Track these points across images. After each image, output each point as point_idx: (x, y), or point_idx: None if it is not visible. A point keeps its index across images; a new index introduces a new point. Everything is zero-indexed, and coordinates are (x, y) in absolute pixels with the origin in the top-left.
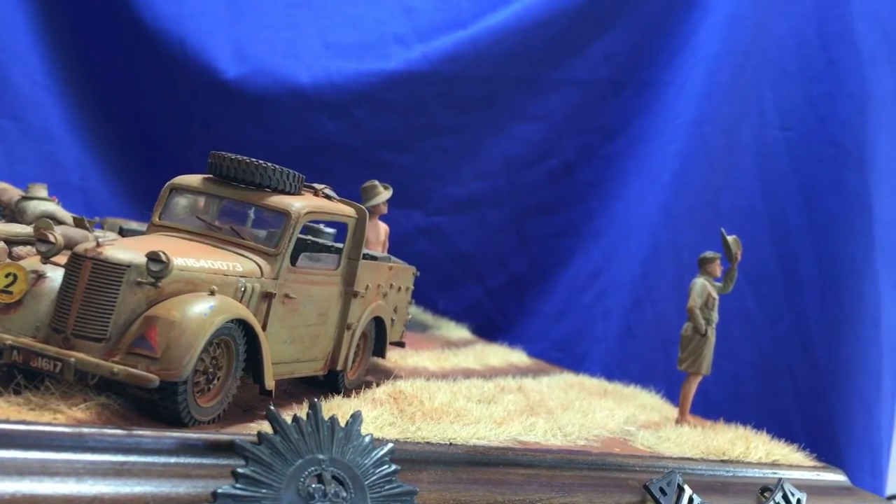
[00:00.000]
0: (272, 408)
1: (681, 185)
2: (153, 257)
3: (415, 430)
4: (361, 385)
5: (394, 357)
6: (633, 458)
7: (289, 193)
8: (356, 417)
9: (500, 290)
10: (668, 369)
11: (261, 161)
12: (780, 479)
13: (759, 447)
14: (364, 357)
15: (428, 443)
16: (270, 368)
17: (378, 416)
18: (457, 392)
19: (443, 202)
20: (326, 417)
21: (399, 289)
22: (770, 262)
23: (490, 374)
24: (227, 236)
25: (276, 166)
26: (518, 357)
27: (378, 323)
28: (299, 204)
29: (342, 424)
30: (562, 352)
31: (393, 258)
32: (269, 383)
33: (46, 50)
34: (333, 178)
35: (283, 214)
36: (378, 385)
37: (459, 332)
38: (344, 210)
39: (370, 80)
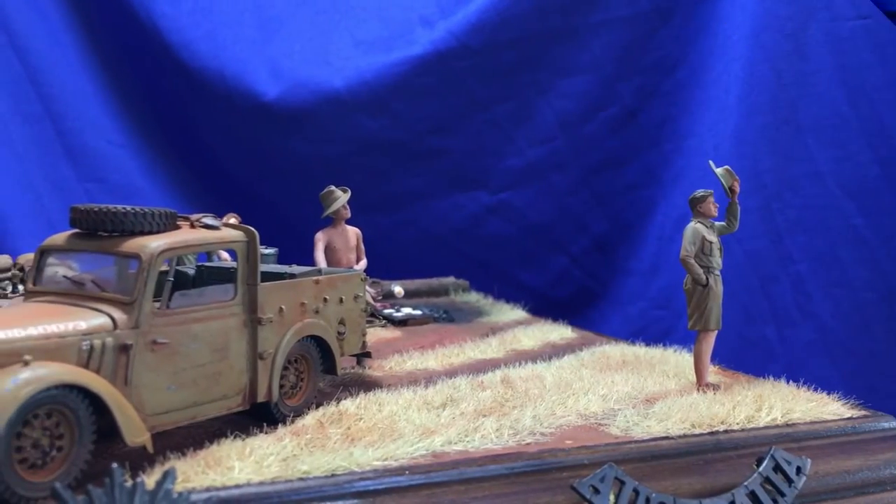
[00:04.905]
0: (57, 485)
1: (748, 105)
2: None
3: (300, 464)
4: (310, 407)
5: (390, 364)
6: (583, 448)
7: (150, 233)
8: (167, 476)
9: (585, 254)
10: (773, 306)
11: (114, 206)
12: (770, 448)
13: (775, 406)
14: (309, 381)
15: (302, 479)
16: (132, 423)
17: (276, 451)
18: (413, 400)
19: (505, 176)
20: (148, 480)
21: (341, 300)
22: (871, 169)
23: (504, 362)
24: (90, 291)
25: (133, 209)
26: (561, 334)
27: (319, 341)
28: (154, 244)
29: (150, 486)
30: (663, 308)
31: (340, 269)
32: (133, 439)
33: (114, 111)
34: (386, 176)
35: (135, 258)
36: (323, 405)
37: (514, 314)
38: (224, 237)
39: (400, 69)
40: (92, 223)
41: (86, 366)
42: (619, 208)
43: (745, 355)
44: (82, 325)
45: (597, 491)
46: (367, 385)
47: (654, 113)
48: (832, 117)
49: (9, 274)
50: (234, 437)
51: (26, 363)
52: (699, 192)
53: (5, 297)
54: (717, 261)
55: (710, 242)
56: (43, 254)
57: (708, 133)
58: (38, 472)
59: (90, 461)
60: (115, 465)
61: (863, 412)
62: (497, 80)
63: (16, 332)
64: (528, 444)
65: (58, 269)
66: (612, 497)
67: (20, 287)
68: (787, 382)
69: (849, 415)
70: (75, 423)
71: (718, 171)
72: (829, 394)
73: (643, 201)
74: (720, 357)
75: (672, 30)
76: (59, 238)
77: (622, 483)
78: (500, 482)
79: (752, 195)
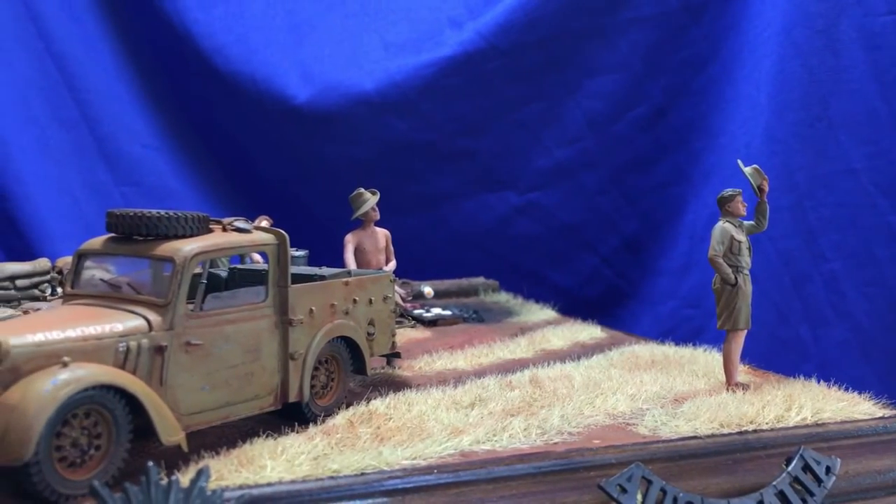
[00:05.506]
0: (95, 483)
1: (780, 102)
2: None
3: (330, 462)
4: (340, 407)
5: (420, 364)
6: (610, 448)
7: (183, 237)
8: (202, 474)
9: (615, 254)
10: (806, 305)
11: (148, 211)
12: (799, 448)
13: (805, 406)
14: (340, 381)
15: (332, 478)
16: (168, 423)
17: (307, 450)
18: (442, 399)
19: (534, 177)
20: (182, 478)
21: (370, 301)
22: None
23: (533, 362)
24: (126, 294)
25: (167, 213)
26: (590, 333)
27: (349, 342)
28: (188, 248)
29: (184, 484)
30: (693, 307)
31: (369, 270)
32: (168, 439)
33: (149, 115)
34: (416, 177)
35: (169, 261)
36: (353, 405)
37: (543, 314)
38: (255, 240)
39: (429, 70)
40: (127, 227)
41: (122, 367)
42: (649, 207)
43: (779, 355)
44: (119, 327)
45: (624, 490)
46: (397, 385)
47: (684, 111)
48: (865, 113)
49: (47, 277)
50: (267, 437)
51: (65, 364)
52: (727, 192)
53: (44, 299)
54: (745, 260)
55: (739, 242)
56: (80, 257)
57: (739, 131)
58: (77, 471)
59: (127, 460)
60: (150, 463)
61: (895, 412)
62: (525, 81)
63: (55, 334)
64: (555, 443)
65: (95, 272)
66: (639, 496)
67: (58, 290)
68: (819, 382)
69: (880, 414)
70: (112, 422)
71: (747, 169)
72: (860, 393)
73: (673, 200)
74: (753, 357)
75: (702, 27)
76: (96, 242)
77: (649, 482)
78: (528, 481)
79: (784, 193)
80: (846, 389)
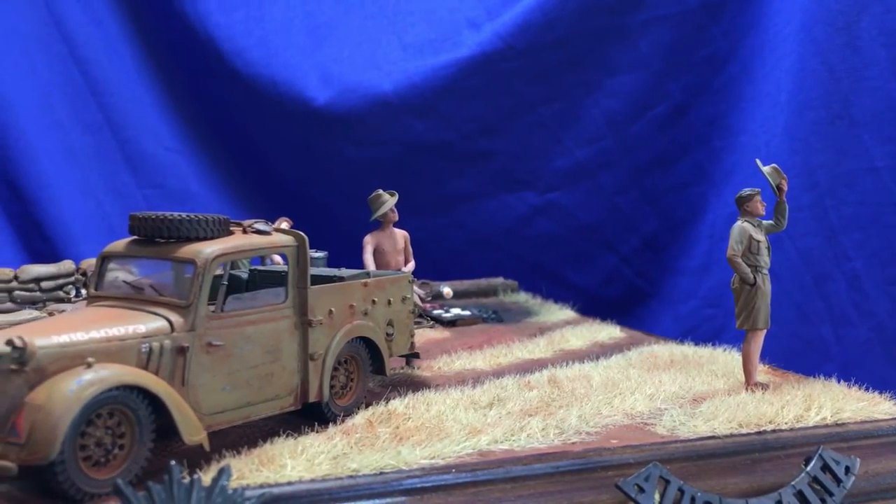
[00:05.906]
0: (118, 481)
1: (800, 101)
2: (8, 343)
3: (349, 462)
4: (360, 407)
5: (439, 364)
6: (628, 448)
7: (204, 239)
8: (223, 473)
9: (635, 254)
10: (828, 305)
11: (170, 214)
12: (818, 448)
13: (825, 406)
14: (359, 381)
15: (351, 477)
16: (190, 422)
17: (326, 450)
18: (461, 399)
19: (553, 177)
20: (204, 477)
21: (389, 301)
22: None
23: (552, 362)
24: (148, 296)
25: (188, 216)
26: (609, 333)
27: (368, 342)
28: (209, 250)
29: (206, 483)
30: (714, 307)
31: (388, 271)
32: (190, 438)
33: (171, 118)
34: (435, 178)
35: (190, 263)
36: (372, 405)
37: (562, 314)
38: (275, 241)
39: (447, 71)
40: (150, 230)
41: (145, 367)
42: (670, 207)
43: (801, 355)
44: (141, 328)
45: (641, 490)
46: (416, 385)
47: (704, 110)
48: (887, 111)
49: (72, 279)
50: (287, 436)
51: (89, 365)
52: (746, 191)
53: (69, 301)
54: (764, 259)
55: (758, 241)
56: (104, 260)
57: (759, 129)
58: (101, 470)
59: (150, 459)
60: (173, 462)
61: None
62: (544, 81)
63: (79, 336)
64: (573, 443)
65: (118, 274)
66: (657, 496)
67: (83, 291)
68: (839, 382)
69: None
70: (136, 422)
71: (766, 169)
72: (881, 393)
73: (693, 199)
74: (775, 357)
75: (721, 26)
76: (119, 244)
77: (667, 482)
78: (546, 481)
79: (805, 192)
80: (868, 389)
